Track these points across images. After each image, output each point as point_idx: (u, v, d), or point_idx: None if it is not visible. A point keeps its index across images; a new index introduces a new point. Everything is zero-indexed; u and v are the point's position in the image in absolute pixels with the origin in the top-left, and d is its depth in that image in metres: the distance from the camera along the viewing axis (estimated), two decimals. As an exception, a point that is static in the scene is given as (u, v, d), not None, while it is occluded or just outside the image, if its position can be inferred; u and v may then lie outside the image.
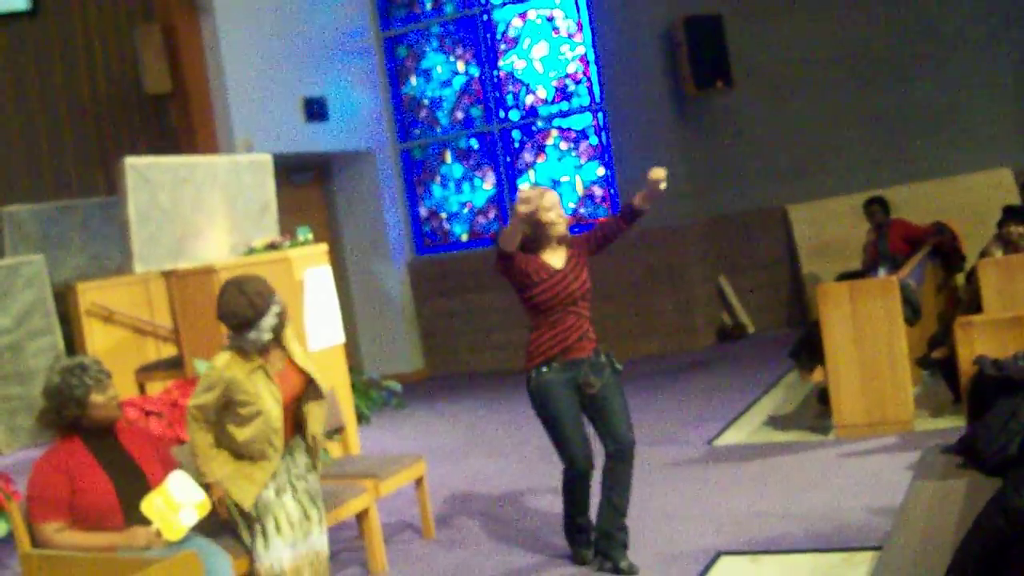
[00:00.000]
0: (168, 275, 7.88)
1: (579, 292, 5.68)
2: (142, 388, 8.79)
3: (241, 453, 5.01)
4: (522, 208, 5.37)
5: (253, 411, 4.92)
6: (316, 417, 5.24)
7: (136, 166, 7.39)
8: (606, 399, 5.70)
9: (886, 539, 4.90)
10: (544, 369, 5.63)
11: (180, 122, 11.75)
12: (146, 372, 8.80)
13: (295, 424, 5.22)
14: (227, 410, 4.97)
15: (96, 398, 4.71)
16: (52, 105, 11.02)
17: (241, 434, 4.96)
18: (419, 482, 6.67)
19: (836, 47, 12.38)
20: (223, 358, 4.98)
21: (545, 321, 5.64)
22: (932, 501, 4.33)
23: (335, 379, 7.44)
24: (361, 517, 6.14)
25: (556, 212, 5.69)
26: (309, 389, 5.21)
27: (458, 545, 6.51)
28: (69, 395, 4.66)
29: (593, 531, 5.84)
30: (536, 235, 5.67)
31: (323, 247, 7.85)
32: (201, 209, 7.77)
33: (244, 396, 4.91)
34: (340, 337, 7.76)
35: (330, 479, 6.22)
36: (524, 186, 5.85)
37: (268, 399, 4.95)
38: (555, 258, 5.71)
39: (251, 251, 7.71)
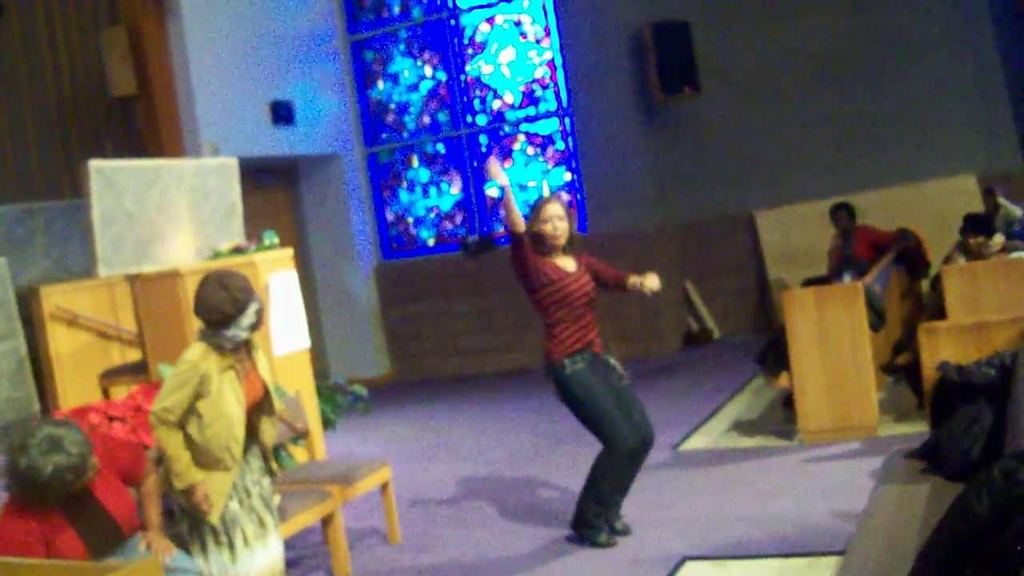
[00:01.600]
0: (132, 279, 7.82)
1: (591, 295, 6.12)
2: (106, 393, 8.72)
3: (199, 460, 4.79)
4: (493, 171, 5.83)
5: (215, 413, 4.74)
6: (268, 432, 5.09)
7: (101, 169, 7.33)
8: (628, 393, 6.14)
9: (849, 544, 4.92)
10: (577, 357, 5.99)
11: (146, 125, 11.68)
12: (110, 377, 8.72)
13: (251, 428, 5.03)
14: (192, 410, 4.76)
15: (85, 480, 4.46)
16: (16, 107, 10.91)
17: (200, 437, 4.75)
18: (384, 487, 6.65)
19: (803, 54, 12.44)
20: (197, 350, 4.78)
21: (567, 317, 6.03)
22: (895, 506, 4.35)
23: (301, 384, 7.42)
24: (326, 522, 6.12)
25: (552, 224, 6.03)
26: (265, 401, 5.06)
27: (423, 550, 6.50)
28: (61, 487, 4.34)
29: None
30: (542, 244, 6.04)
31: (289, 251, 7.82)
32: (166, 213, 7.72)
33: (213, 395, 4.74)
34: (306, 342, 7.73)
35: (295, 484, 6.20)
36: (491, 159, 5.97)
37: (232, 402, 4.80)
38: (566, 263, 6.13)
39: (217, 255, 7.66)
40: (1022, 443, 3.45)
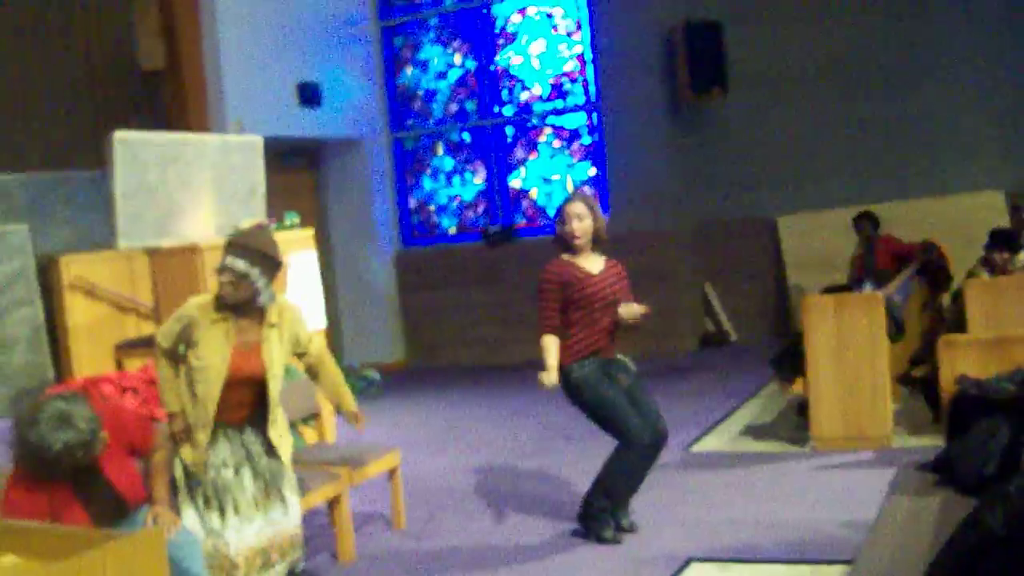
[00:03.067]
0: (151, 252, 7.83)
1: (612, 298, 5.99)
2: (120, 364, 8.73)
3: (193, 414, 4.95)
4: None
5: (200, 364, 4.85)
6: (277, 410, 5.13)
7: (125, 141, 7.33)
8: (638, 393, 6.07)
9: (857, 553, 4.88)
10: (585, 362, 5.93)
11: (173, 100, 11.68)
12: (125, 349, 8.74)
13: (258, 407, 5.08)
14: (184, 357, 4.93)
15: (93, 455, 4.43)
16: (45, 76, 10.91)
17: (189, 389, 4.92)
18: (393, 472, 6.63)
19: (835, 59, 12.35)
20: (199, 298, 5.00)
21: (582, 319, 5.95)
22: (906, 517, 4.31)
23: (314, 365, 7.39)
24: (333, 505, 6.09)
25: (571, 226, 5.98)
26: (262, 383, 5.02)
27: (428, 537, 6.48)
28: (70, 462, 4.31)
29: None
30: (564, 245, 6.05)
31: (309, 232, 7.82)
32: (188, 188, 7.72)
33: (199, 344, 4.85)
34: (322, 322, 7.72)
35: (303, 465, 6.16)
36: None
37: (216, 357, 4.85)
38: (591, 264, 6.06)
39: (229, 236, 7.64)
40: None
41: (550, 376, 5.86)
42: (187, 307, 4.95)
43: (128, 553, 3.05)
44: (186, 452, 4.98)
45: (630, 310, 5.93)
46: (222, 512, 4.96)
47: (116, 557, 3.00)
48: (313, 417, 6.84)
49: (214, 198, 7.94)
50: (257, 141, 8.43)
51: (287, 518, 5.13)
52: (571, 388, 5.98)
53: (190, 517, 4.96)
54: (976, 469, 4.41)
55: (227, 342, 4.88)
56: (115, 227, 7.23)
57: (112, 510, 4.59)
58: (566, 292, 5.95)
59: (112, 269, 9.98)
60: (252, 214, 8.21)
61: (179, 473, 5.02)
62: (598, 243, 6.09)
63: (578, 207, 6.00)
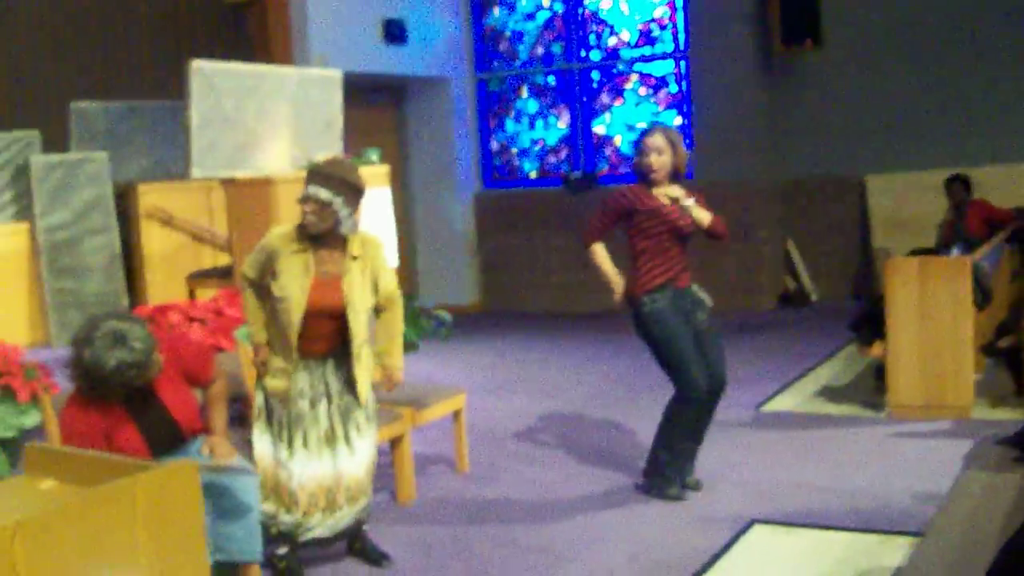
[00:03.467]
0: (226, 183, 7.79)
1: (685, 230, 5.84)
2: (192, 294, 8.75)
3: (270, 341, 4.98)
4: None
5: (281, 295, 4.81)
6: (362, 341, 5.03)
7: (203, 70, 7.28)
8: (708, 335, 5.89)
9: (928, 526, 4.72)
10: (657, 295, 5.78)
11: (257, 33, 11.61)
12: (197, 279, 8.75)
13: (338, 338, 4.98)
14: (268, 288, 4.91)
15: (148, 377, 4.39)
16: (130, 6, 10.93)
17: (273, 319, 4.91)
18: (457, 415, 6.55)
19: (934, 15, 11.95)
20: (280, 228, 4.98)
21: (652, 247, 5.81)
22: (981, 493, 4.14)
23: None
24: (394, 445, 6.03)
25: (649, 159, 5.79)
26: (343, 315, 4.91)
27: (489, 482, 6.40)
28: (123, 382, 4.26)
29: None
30: (642, 177, 5.88)
31: (384, 169, 7.74)
32: (265, 120, 7.66)
33: (280, 275, 4.82)
34: (393, 261, 7.63)
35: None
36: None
37: (295, 287, 4.79)
38: (664, 192, 5.85)
39: (311, 165, 7.57)
40: None
41: (617, 291, 5.85)
42: (269, 237, 4.92)
43: (159, 484, 3.00)
44: (269, 380, 4.96)
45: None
46: (291, 444, 4.92)
47: (146, 486, 2.96)
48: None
49: (291, 131, 7.87)
50: (336, 75, 8.34)
51: (353, 462, 5.04)
52: (641, 320, 5.84)
53: (264, 443, 4.97)
54: (1058, 447, 4.22)
55: (307, 273, 4.82)
56: (189, 156, 7.18)
57: (167, 436, 4.56)
58: (636, 219, 5.79)
59: (189, 199, 10.01)
60: (328, 148, 8.13)
61: (259, 400, 5.03)
62: (677, 177, 5.90)
63: (658, 140, 5.80)
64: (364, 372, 5.08)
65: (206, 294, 8.29)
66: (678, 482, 5.92)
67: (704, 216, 5.88)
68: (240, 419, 6.05)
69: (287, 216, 7.10)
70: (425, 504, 6.08)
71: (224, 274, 8.30)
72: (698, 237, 5.98)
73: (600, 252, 5.97)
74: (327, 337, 4.95)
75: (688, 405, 5.83)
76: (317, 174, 4.85)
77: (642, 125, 12.37)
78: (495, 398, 8.62)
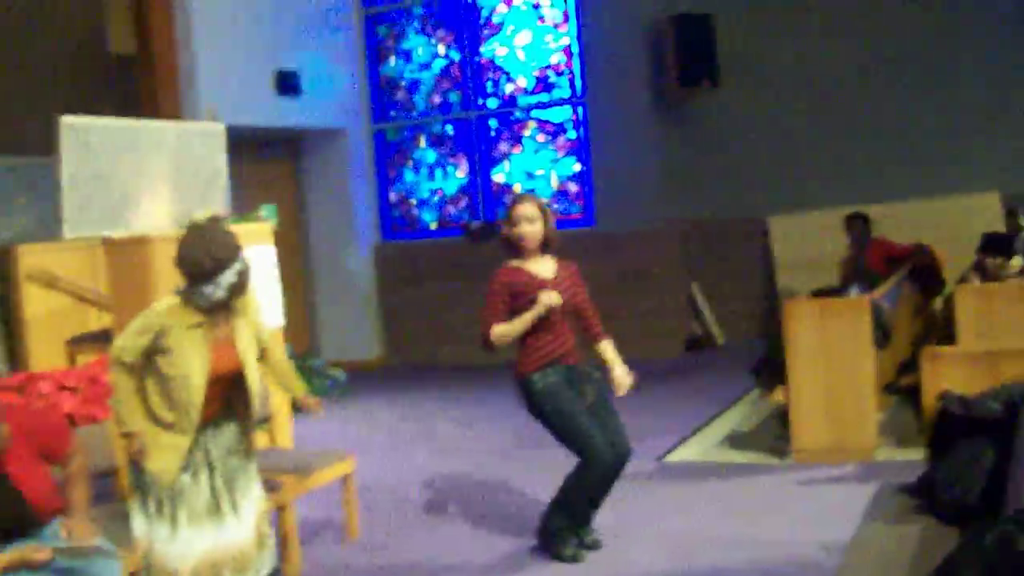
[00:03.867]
0: (104, 243, 7.46)
1: (570, 304, 5.66)
2: (74, 359, 8.38)
3: (156, 417, 4.53)
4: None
5: (177, 372, 4.46)
6: (242, 409, 4.79)
7: (74, 126, 6.95)
8: (602, 408, 5.70)
9: (831, 581, 4.54)
10: (548, 370, 5.58)
11: (144, 86, 11.30)
12: (77, 344, 8.39)
13: (224, 402, 4.73)
14: (152, 363, 4.50)
15: None
16: (11, 59, 10.56)
17: (160, 395, 4.51)
18: (346, 480, 6.27)
19: (830, 56, 12.01)
20: (166, 302, 4.55)
21: (540, 326, 5.55)
22: (882, 546, 3.96)
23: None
24: (280, 513, 5.73)
25: (520, 228, 5.61)
26: (240, 376, 4.70)
27: (381, 550, 6.13)
28: None
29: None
30: (514, 248, 5.68)
31: (269, 225, 7.45)
32: (143, 176, 7.33)
33: (174, 352, 4.45)
34: (279, 320, 7.35)
35: (250, 472, 5.81)
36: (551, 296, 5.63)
37: (195, 364, 4.48)
38: (542, 268, 5.69)
39: (192, 224, 7.27)
40: (1024, 493, 3.05)
41: (546, 296, 5.51)
42: (153, 316, 4.52)
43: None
44: (155, 462, 4.56)
45: (620, 378, 5.77)
46: (174, 520, 4.58)
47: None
48: (264, 420, 6.47)
49: (171, 188, 7.55)
50: (219, 129, 8.04)
51: (240, 530, 4.73)
52: (532, 399, 5.61)
53: (139, 526, 4.61)
54: (958, 497, 4.05)
55: (205, 345, 4.53)
56: (61, 215, 6.85)
57: (16, 518, 4.22)
58: (518, 300, 5.56)
59: (74, 259, 9.61)
60: (212, 204, 7.83)
61: (132, 477, 4.66)
62: (548, 247, 5.71)
63: (529, 209, 5.61)
64: (253, 431, 4.85)
65: (88, 359, 7.94)
66: (573, 543, 5.69)
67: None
68: (109, 495, 5.72)
69: (166, 277, 6.80)
70: None
71: (104, 338, 7.93)
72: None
73: (501, 327, 5.61)
74: (211, 402, 4.65)
75: (592, 474, 5.60)
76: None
77: (541, 173, 12.26)
78: (393, 458, 8.34)
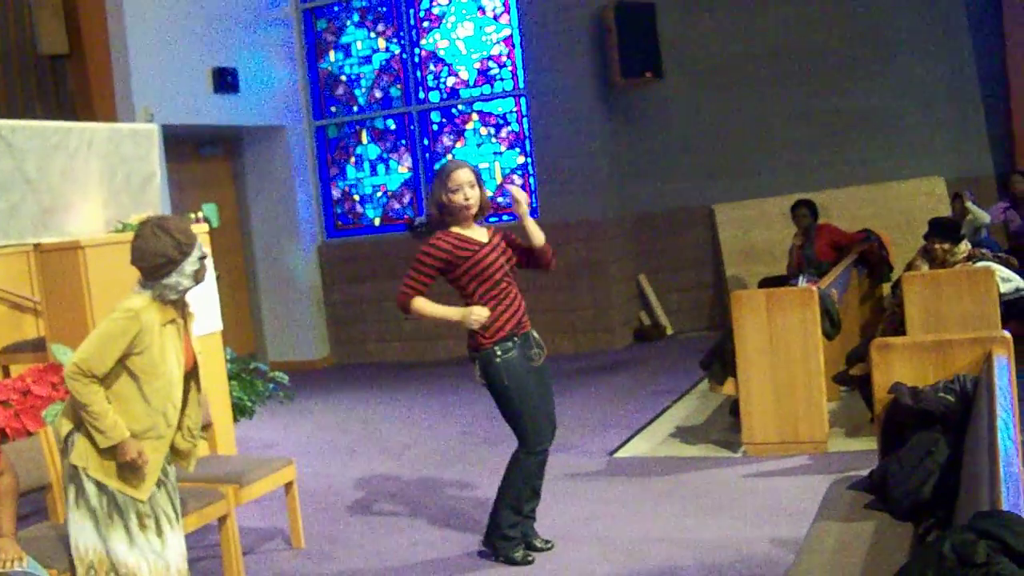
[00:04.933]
0: (36, 249, 7.24)
1: (508, 266, 5.53)
2: (7, 370, 8.14)
3: (128, 425, 4.29)
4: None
5: (154, 372, 4.29)
6: (195, 409, 4.62)
7: (1, 129, 6.74)
8: (547, 384, 5.66)
9: (784, 579, 4.44)
10: (508, 344, 5.46)
11: (77, 87, 11.06)
12: (10, 353, 8.15)
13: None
14: (120, 368, 4.28)
15: None
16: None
17: (135, 398, 4.30)
18: (289, 487, 6.10)
19: (773, 44, 11.97)
20: (140, 299, 4.30)
21: (492, 295, 5.45)
22: (835, 546, 3.85)
23: (212, 368, 6.86)
24: (221, 524, 5.57)
25: (463, 193, 5.46)
26: (194, 372, 4.60)
27: (326, 558, 5.96)
28: None
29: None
30: (451, 215, 5.50)
31: (203, 227, 7.25)
32: (73, 180, 7.13)
33: (152, 350, 4.27)
34: (217, 324, 7.18)
35: (189, 481, 5.63)
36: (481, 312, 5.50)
37: (173, 361, 4.36)
38: (477, 234, 5.55)
39: (124, 228, 7.07)
40: (980, 491, 2.95)
41: (478, 312, 5.39)
42: (126, 318, 4.27)
43: None
44: (128, 476, 4.34)
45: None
46: (159, 529, 4.41)
47: None
48: (205, 427, 6.29)
49: (103, 191, 7.35)
50: (152, 128, 7.85)
51: (182, 544, 4.55)
52: (492, 372, 5.46)
53: (120, 547, 4.33)
54: (911, 492, 3.96)
55: (180, 340, 4.42)
56: (-11, 222, 6.64)
57: None
58: (462, 267, 5.43)
59: (8, 265, 9.37)
60: (146, 207, 7.63)
61: (94, 500, 4.34)
62: (482, 214, 5.57)
63: (469, 175, 5.49)
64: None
65: (20, 369, 7.71)
66: (523, 544, 5.57)
67: (538, 232, 5.58)
68: (41, 512, 5.53)
69: (101, 282, 6.62)
70: (256, 587, 5.64)
71: (36, 347, 7.73)
72: (535, 289, 5.66)
73: (423, 304, 5.56)
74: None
75: (534, 458, 5.54)
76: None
77: (484, 166, 12.12)
78: (338, 461, 8.18)
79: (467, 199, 5.45)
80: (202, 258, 4.39)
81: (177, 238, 4.29)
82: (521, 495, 5.57)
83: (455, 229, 5.50)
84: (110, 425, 4.23)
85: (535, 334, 5.65)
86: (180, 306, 4.46)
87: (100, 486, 4.32)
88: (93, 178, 7.33)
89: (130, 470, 4.30)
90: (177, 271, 4.30)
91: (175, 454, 4.61)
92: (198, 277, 4.40)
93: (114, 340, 4.23)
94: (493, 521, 5.62)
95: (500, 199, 11.59)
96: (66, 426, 4.38)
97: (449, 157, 12.44)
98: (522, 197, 5.54)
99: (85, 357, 4.22)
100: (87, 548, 4.35)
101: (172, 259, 4.26)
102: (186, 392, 4.54)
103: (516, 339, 5.49)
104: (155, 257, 4.26)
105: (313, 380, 11.76)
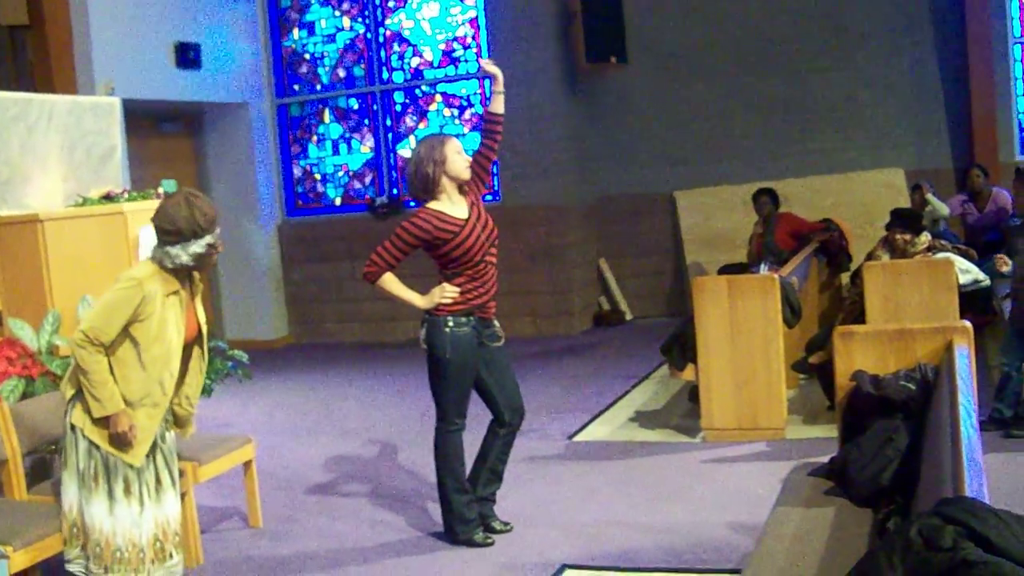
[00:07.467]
0: (-6, 222, 7.15)
1: (490, 239, 5.46)
2: (-38, 343, 8.03)
3: (125, 392, 4.40)
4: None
5: (154, 339, 4.36)
6: (196, 379, 4.78)
7: (-43, 99, 6.66)
8: (506, 366, 5.63)
9: (743, 564, 4.46)
10: (463, 319, 5.42)
11: (36, 58, 10.91)
12: (-35, 327, 8.05)
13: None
14: (123, 334, 4.36)
15: None
16: None
17: (134, 364, 4.39)
18: (247, 466, 6.07)
19: (737, 32, 11.99)
20: (146, 268, 4.44)
21: (467, 272, 5.41)
22: (795, 532, 3.88)
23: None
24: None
25: (463, 158, 5.44)
26: (197, 344, 4.71)
27: (284, 539, 5.94)
28: None
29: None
30: (438, 186, 5.39)
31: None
32: (32, 152, 7.05)
33: (153, 319, 4.35)
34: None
35: (145, 460, 5.60)
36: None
37: (173, 331, 4.43)
38: (457, 209, 5.41)
39: (84, 202, 7.00)
40: (943, 478, 2.97)
41: (449, 291, 5.37)
42: (132, 286, 4.35)
43: None
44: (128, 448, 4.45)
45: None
46: (141, 498, 4.49)
47: None
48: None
49: (63, 164, 7.27)
50: (113, 102, 7.77)
51: (177, 506, 4.69)
52: (436, 338, 5.41)
53: (99, 511, 4.45)
54: (871, 478, 3.99)
55: (181, 311, 4.49)
56: (-55, 194, 6.55)
57: None
58: (442, 249, 5.36)
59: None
60: (107, 182, 7.56)
61: (83, 462, 4.46)
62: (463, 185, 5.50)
63: (458, 143, 5.50)
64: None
65: (-22, 343, 7.61)
66: (481, 526, 5.57)
67: (502, 106, 5.68)
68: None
69: (59, 256, 6.55)
70: (213, 566, 5.60)
71: (-7, 321, 7.63)
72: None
73: (390, 281, 5.53)
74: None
75: (451, 435, 5.53)
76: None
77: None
78: (297, 441, 8.15)
79: (467, 161, 5.43)
80: (211, 246, 4.45)
81: (196, 217, 4.38)
82: (457, 472, 5.56)
83: (435, 206, 5.39)
84: (107, 395, 4.34)
85: (496, 324, 5.63)
86: (185, 277, 4.54)
87: (94, 446, 4.44)
88: (53, 151, 7.25)
89: (121, 441, 4.39)
90: (181, 246, 4.38)
91: (174, 420, 4.77)
92: (199, 261, 4.47)
93: (119, 308, 4.33)
94: (444, 507, 5.60)
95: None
96: (70, 390, 4.51)
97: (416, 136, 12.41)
98: (496, 71, 5.57)
99: (92, 325, 4.33)
100: (71, 506, 4.52)
101: (181, 232, 4.36)
102: (186, 361, 4.64)
103: (472, 318, 5.45)
104: (168, 222, 4.38)
105: (271, 360, 11.70)
